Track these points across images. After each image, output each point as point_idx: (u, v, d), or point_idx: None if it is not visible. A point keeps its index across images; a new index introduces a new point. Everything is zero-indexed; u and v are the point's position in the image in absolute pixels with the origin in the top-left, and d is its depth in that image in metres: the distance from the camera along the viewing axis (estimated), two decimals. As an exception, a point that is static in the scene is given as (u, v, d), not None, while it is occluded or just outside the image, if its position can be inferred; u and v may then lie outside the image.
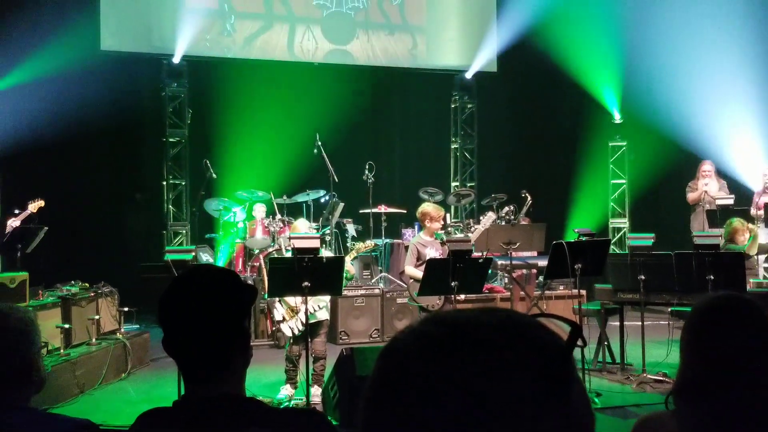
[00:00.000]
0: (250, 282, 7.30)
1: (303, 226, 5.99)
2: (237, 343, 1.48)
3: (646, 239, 6.87)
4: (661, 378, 5.77)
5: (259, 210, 8.49)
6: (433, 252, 5.76)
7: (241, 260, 8.52)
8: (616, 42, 10.50)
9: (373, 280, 8.41)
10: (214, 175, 8.79)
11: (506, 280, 8.03)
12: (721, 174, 9.26)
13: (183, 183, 9.93)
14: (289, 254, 5.29)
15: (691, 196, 9.05)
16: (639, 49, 10.29)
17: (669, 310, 6.38)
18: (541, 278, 7.64)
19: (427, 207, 6.01)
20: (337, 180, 8.69)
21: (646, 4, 10.34)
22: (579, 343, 0.69)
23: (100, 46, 9.35)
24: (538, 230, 8.18)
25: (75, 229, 8.91)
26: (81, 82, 8.73)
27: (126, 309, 6.84)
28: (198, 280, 1.51)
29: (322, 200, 9.00)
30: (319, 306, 5.40)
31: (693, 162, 9.32)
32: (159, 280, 4.97)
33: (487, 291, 7.57)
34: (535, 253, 8.23)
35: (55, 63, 8.52)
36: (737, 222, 6.82)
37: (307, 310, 5.07)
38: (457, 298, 5.39)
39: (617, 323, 6.50)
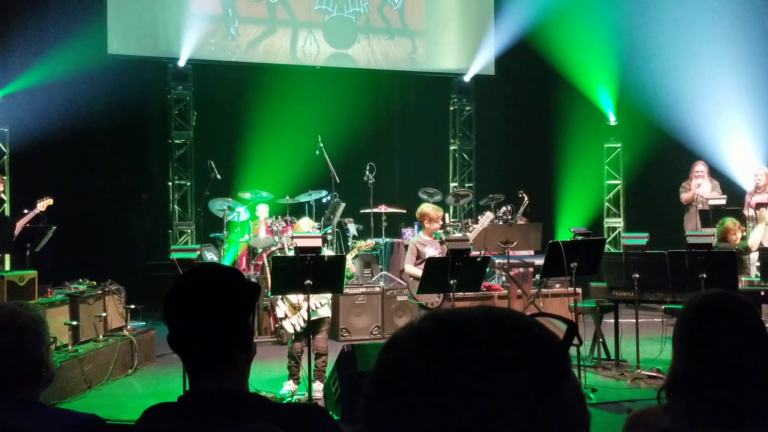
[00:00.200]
0: (253, 280, 7.42)
1: (305, 225, 5.97)
2: (240, 340, 1.48)
3: (641, 238, 6.89)
4: (655, 374, 5.82)
5: (263, 210, 8.53)
6: (432, 251, 5.77)
7: (245, 259, 8.60)
8: (611, 45, 10.53)
9: (373, 279, 8.46)
10: (219, 176, 8.81)
11: (504, 278, 8.05)
12: (715, 174, 9.27)
13: (188, 183, 9.98)
14: (291, 253, 5.27)
15: (684, 196, 9.08)
16: (634, 52, 10.32)
17: (663, 307, 6.40)
18: (537, 276, 7.64)
19: (426, 208, 6.01)
20: (338, 180, 8.77)
21: (641, 7, 10.35)
22: (575, 341, 0.70)
23: (107, 50, 9.41)
24: (534, 230, 8.25)
25: (83, 228, 8.94)
26: (88, 85, 8.80)
27: (132, 306, 6.86)
28: (202, 278, 1.51)
29: (324, 200, 9.03)
30: (321, 303, 5.42)
31: (687, 163, 9.34)
32: (165, 278, 4.97)
33: (485, 289, 7.60)
34: (531, 252, 8.24)
35: (64, 66, 8.58)
36: (729, 222, 6.86)
37: (309, 307, 5.08)
38: (456, 295, 5.42)
39: (612, 320, 6.54)
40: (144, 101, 10.27)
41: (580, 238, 6.02)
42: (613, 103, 11.17)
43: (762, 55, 9.55)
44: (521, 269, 8.00)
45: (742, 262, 6.63)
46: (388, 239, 8.93)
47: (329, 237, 8.19)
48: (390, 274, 8.55)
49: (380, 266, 8.74)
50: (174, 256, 5.35)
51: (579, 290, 6.84)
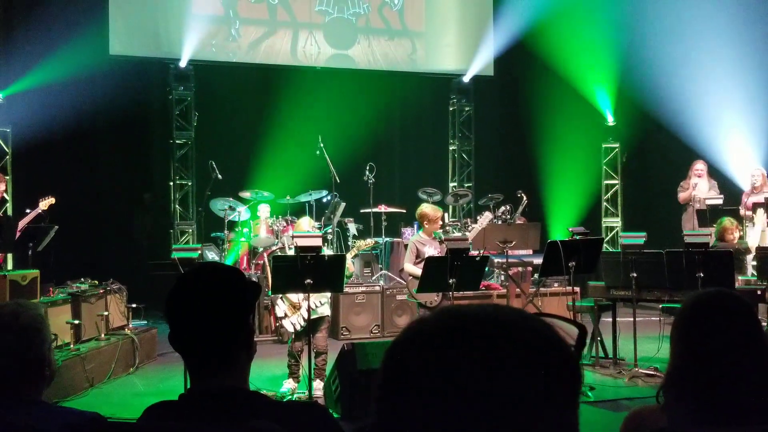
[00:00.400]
0: (254, 279, 7.46)
1: (305, 225, 5.97)
2: (241, 339, 1.49)
3: (638, 238, 6.86)
4: (653, 372, 5.86)
5: (263, 210, 8.56)
6: (431, 250, 5.80)
7: (245, 258, 8.65)
8: (609, 46, 10.56)
9: (373, 278, 8.50)
10: (220, 176, 8.82)
11: (502, 277, 8.09)
12: (714, 174, 9.28)
13: (189, 183, 10.00)
14: (292, 252, 5.30)
15: (681, 195, 9.09)
16: (631, 52, 10.35)
17: (660, 306, 6.39)
18: (536, 276, 7.66)
19: (425, 209, 6.02)
20: (338, 180, 8.80)
21: (639, 8, 10.36)
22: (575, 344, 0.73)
23: (109, 51, 9.44)
24: (533, 229, 8.30)
25: (85, 227, 8.96)
26: (91, 86, 8.85)
27: (134, 305, 6.87)
28: (203, 277, 1.52)
29: (324, 200, 9.06)
30: (321, 302, 5.45)
31: (684, 163, 9.35)
32: (166, 277, 4.96)
33: (483, 288, 7.64)
34: (530, 251, 8.30)
35: (66, 67, 8.61)
36: (727, 221, 6.89)
37: (309, 306, 5.11)
38: (455, 294, 5.44)
39: (610, 319, 6.56)
40: (146, 102, 10.30)
41: (578, 237, 6.06)
42: (611, 104, 11.21)
43: (761, 54, 9.55)
44: (520, 268, 8.02)
45: (739, 261, 6.65)
46: (387, 239, 8.96)
47: (330, 237, 8.22)
48: (390, 273, 8.58)
49: (380, 265, 8.77)
50: (175, 255, 5.37)
51: (577, 289, 6.89)
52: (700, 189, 8.96)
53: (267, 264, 7.40)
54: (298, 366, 5.51)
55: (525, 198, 8.91)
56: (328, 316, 5.65)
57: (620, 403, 5.34)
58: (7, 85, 8.86)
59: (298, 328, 5.45)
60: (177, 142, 10.00)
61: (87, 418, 1.71)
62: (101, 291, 6.57)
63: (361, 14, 10.83)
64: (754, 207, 7.79)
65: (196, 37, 9.81)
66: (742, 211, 8.35)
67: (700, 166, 9.08)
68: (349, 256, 5.58)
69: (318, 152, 8.86)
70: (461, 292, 5.66)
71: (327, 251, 5.94)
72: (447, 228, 8.21)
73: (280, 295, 5.53)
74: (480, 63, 11.22)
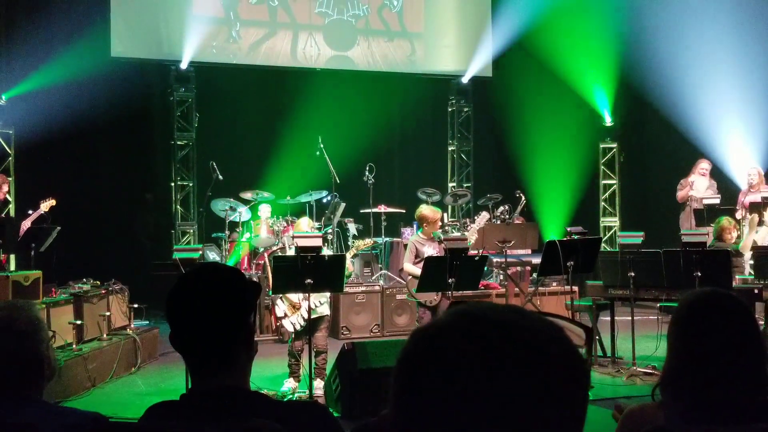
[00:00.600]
0: (254, 279, 7.50)
1: (305, 225, 6.00)
2: (241, 338, 1.49)
3: (636, 237, 6.93)
4: (651, 371, 5.88)
5: (264, 210, 8.60)
6: (431, 250, 5.82)
7: (246, 258, 8.68)
8: (607, 47, 10.60)
9: (373, 277, 8.53)
10: (220, 177, 8.84)
11: (501, 276, 8.11)
12: (713, 173, 9.26)
13: (190, 184, 10.04)
14: (292, 252, 5.33)
15: (680, 194, 9.10)
16: (629, 53, 10.38)
17: (658, 305, 6.41)
18: (534, 275, 7.69)
19: (424, 210, 6.03)
20: (338, 181, 8.83)
21: (637, 8, 10.38)
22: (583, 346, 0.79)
23: (111, 53, 9.48)
24: (531, 229, 8.34)
25: (87, 228, 8.98)
26: (92, 87, 8.85)
27: (136, 305, 6.89)
28: (204, 277, 1.51)
29: (325, 200, 9.08)
30: (321, 302, 5.47)
31: (683, 163, 9.37)
32: (167, 277, 5.03)
33: (483, 287, 7.68)
34: (529, 251, 8.33)
35: (68, 69, 8.67)
36: (725, 220, 6.90)
37: (309, 305, 5.13)
38: (454, 294, 5.47)
39: (608, 318, 6.58)
40: (147, 103, 10.35)
41: (576, 237, 6.09)
42: (608, 104, 11.24)
43: (760, 54, 9.57)
44: (519, 268, 8.05)
45: (736, 261, 6.68)
46: (387, 239, 9.00)
47: (330, 237, 8.25)
48: (389, 273, 8.62)
49: (380, 265, 8.80)
50: (177, 255, 5.39)
51: (575, 288, 6.91)
52: (697, 187, 8.96)
53: (268, 264, 7.45)
54: (298, 365, 5.53)
55: (523, 198, 8.94)
56: (327, 315, 5.67)
57: (618, 401, 5.33)
58: (10, 87, 8.90)
59: (298, 327, 5.47)
60: (178, 143, 10.05)
61: (88, 417, 1.72)
62: (103, 291, 6.58)
63: (360, 16, 10.86)
64: (751, 206, 7.80)
65: (196, 38, 9.85)
66: (739, 213, 8.32)
67: (704, 165, 9.05)
68: (348, 255, 5.59)
69: (318, 153, 8.89)
70: (460, 292, 5.67)
71: (327, 251, 5.94)
72: (446, 228, 8.24)
73: (280, 295, 5.55)
74: (479, 64, 11.27)
